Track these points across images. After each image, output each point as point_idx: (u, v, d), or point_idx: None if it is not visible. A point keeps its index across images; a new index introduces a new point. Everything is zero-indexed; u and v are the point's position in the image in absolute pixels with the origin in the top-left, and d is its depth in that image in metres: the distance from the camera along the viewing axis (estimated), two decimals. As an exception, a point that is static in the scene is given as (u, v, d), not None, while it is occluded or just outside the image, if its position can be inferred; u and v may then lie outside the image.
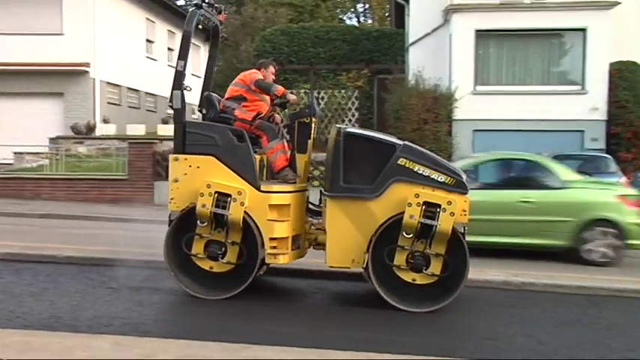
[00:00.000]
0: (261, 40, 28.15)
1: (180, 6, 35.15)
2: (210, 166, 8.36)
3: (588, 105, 20.62)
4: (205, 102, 9.23)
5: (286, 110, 9.91)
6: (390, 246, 8.09)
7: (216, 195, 8.14)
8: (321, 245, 8.73)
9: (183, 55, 8.55)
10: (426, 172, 8.20)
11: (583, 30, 20.84)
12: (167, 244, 8.39)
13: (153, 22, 30.71)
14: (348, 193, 8.29)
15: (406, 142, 8.71)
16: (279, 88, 8.89)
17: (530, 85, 21.43)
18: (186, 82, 8.56)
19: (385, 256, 8.11)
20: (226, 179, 8.29)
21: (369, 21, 43.19)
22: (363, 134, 8.93)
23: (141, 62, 29.69)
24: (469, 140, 20.59)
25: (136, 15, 29.72)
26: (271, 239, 8.28)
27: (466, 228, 8.32)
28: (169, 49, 31.39)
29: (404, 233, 8.02)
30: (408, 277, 8.19)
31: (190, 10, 8.82)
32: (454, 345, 7.01)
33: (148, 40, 30.24)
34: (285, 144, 9.03)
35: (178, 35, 30.38)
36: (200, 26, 8.98)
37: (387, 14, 36.94)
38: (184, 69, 8.52)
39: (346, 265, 8.52)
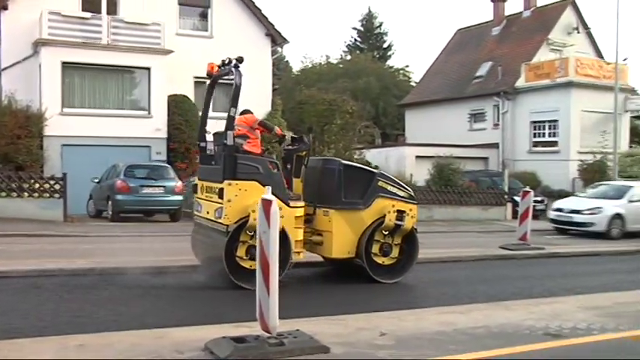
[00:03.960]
0: None
1: None
2: (255, 189, 8.92)
3: (153, 126, 23.11)
4: (221, 138, 9.48)
5: (282, 145, 10.73)
6: (372, 240, 9.96)
7: None
8: (308, 243, 10.04)
9: (234, 103, 9.21)
10: (394, 189, 10.23)
11: (148, 69, 23.30)
12: (225, 251, 8.93)
13: None
14: (348, 206, 9.88)
15: (380, 170, 10.98)
16: (278, 129, 10.37)
17: (109, 109, 23.20)
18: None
19: (368, 247, 9.93)
20: None
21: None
22: (353, 165, 10.92)
23: None
24: (58, 153, 21.60)
25: None
26: (295, 242, 9.38)
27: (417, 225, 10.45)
28: None
29: (382, 231, 10.03)
30: (379, 260, 10.11)
31: (236, 70, 9.30)
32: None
33: None
34: None
35: None
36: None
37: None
38: (235, 114, 9.26)
39: (344, 256, 9.98)
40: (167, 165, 20.58)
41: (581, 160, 27.87)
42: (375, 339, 6.22)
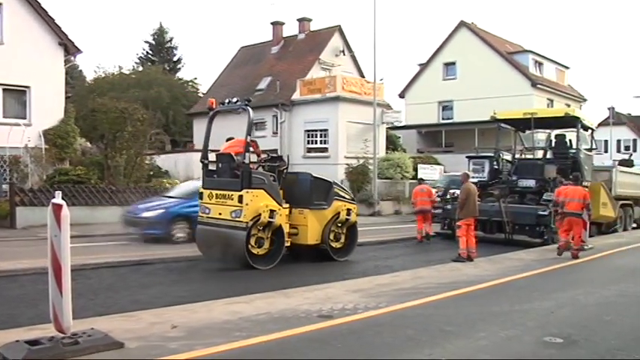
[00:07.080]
0: None
1: None
2: (262, 195, 11.45)
3: None
4: (228, 157, 11.92)
5: (266, 162, 12.69)
6: (329, 230, 12.64)
7: (269, 211, 11.30)
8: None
9: (249, 132, 11.73)
10: (343, 194, 13.16)
11: None
12: (245, 242, 11.04)
13: None
14: (317, 207, 12.54)
15: (334, 180, 13.70)
16: (259, 150, 12.89)
17: None
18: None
19: (328, 236, 12.65)
20: (270, 202, 11.43)
21: None
22: (319, 177, 13.05)
23: None
24: None
25: None
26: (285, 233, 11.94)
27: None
28: None
29: (337, 224, 12.84)
30: (334, 244, 12.92)
31: (248, 107, 11.71)
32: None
33: None
34: None
35: None
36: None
37: None
38: (250, 140, 11.71)
39: (314, 243, 12.48)
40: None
41: (348, 164, 29.43)
42: (167, 332, 6.12)
